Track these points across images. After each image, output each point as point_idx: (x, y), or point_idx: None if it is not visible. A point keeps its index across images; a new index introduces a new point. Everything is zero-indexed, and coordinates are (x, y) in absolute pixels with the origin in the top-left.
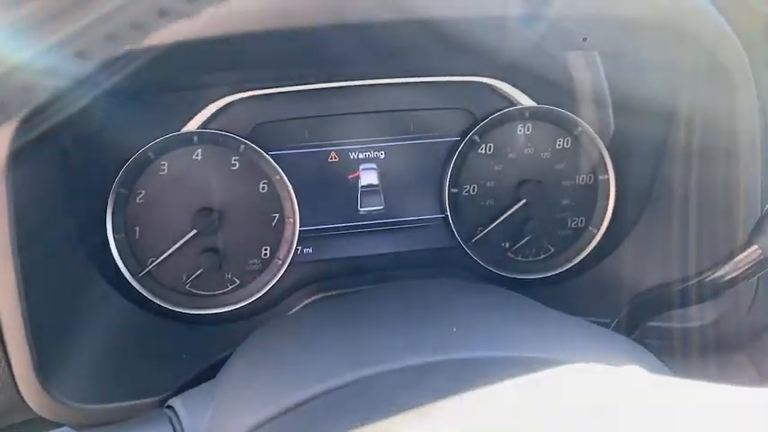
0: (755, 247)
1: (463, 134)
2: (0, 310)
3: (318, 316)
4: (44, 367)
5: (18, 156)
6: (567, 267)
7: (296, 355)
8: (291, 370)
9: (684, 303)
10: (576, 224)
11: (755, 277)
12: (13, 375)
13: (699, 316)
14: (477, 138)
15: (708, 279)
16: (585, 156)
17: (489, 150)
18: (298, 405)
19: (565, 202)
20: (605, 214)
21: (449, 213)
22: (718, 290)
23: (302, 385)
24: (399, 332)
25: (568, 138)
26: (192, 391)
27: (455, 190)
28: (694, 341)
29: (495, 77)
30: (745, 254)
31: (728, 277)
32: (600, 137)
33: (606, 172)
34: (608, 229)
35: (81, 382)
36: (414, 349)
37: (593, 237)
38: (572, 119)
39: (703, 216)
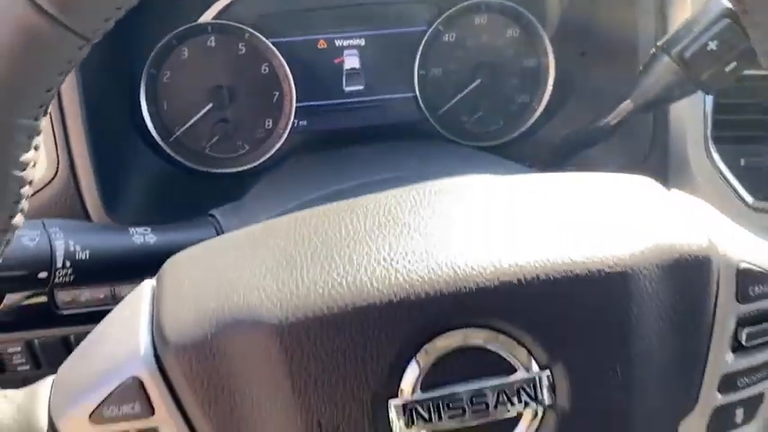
0: (629, 101)
1: (430, 25)
2: (74, 157)
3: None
4: (107, 199)
5: None
6: (514, 136)
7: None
8: (293, 188)
9: (578, 148)
10: (522, 101)
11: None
12: (84, 205)
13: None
14: (441, 28)
15: (597, 126)
16: (531, 43)
17: (452, 39)
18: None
19: (513, 82)
20: (545, 92)
21: (417, 92)
22: (603, 135)
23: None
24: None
25: (517, 28)
26: (226, 206)
27: (423, 72)
28: None
29: None
30: (623, 105)
31: (613, 122)
32: (544, 28)
33: (547, 56)
34: (547, 104)
35: (136, 211)
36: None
37: (535, 111)
38: (521, 12)
39: (610, 81)
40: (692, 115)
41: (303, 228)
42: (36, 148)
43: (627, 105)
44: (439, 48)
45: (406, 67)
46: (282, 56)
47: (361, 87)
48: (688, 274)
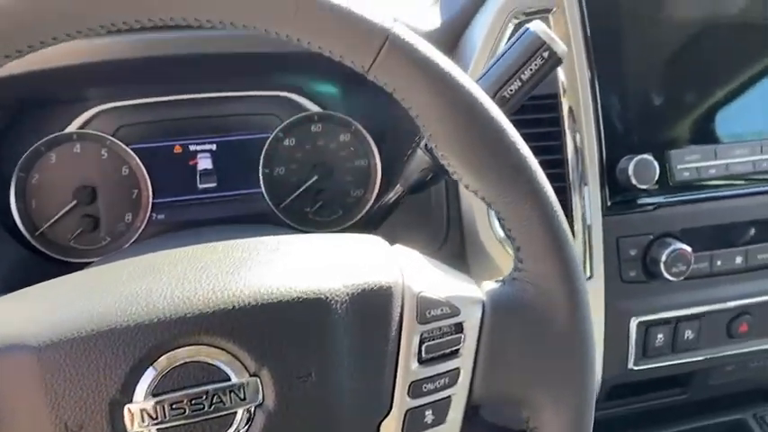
0: (399, 185)
1: (272, 132)
2: None
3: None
4: None
5: None
6: (351, 223)
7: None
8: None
9: (373, 223)
10: (357, 194)
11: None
12: None
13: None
14: (281, 134)
15: (381, 204)
16: (360, 146)
17: (292, 143)
18: None
19: (348, 178)
20: (375, 186)
21: (263, 188)
22: (387, 212)
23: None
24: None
25: (348, 133)
26: None
27: (267, 171)
28: None
29: (294, 92)
30: (396, 188)
31: (391, 201)
32: (370, 133)
33: (374, 157)
34: (377, 195)
35: None
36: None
37: (368, 201)
38: (348, 121)
39: None
40: (477, 203)
41: (71, 278)
42: None
43: (398, 188)
44: (281, 150)
45: (253, 167)
46: (141, 159)
47: (213, 185)
48: (375, 302)
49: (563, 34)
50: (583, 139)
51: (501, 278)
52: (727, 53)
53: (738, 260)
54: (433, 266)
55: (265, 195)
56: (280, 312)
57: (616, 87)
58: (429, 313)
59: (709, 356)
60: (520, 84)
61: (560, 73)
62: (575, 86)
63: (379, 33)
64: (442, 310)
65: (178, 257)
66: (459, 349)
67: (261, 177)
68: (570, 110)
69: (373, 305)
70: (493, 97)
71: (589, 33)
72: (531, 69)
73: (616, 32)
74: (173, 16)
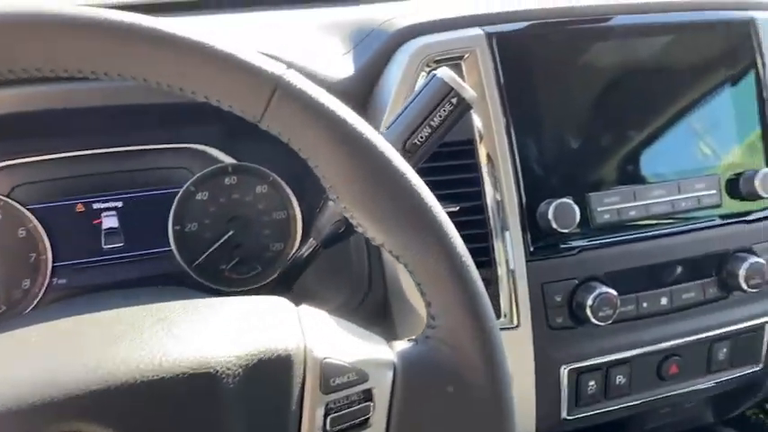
0: (312, 238)
1: (182, 186)
2: None
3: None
4: None
5: None
6: (270, 279)
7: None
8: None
9: (289, 280)
10: (277, 248)
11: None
12: None
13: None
14: (193, 188)
15: (297, 257)
16: (278, 198)
17: (205, 197)
18: None
19: (266, 232)
20: (296, 239)
21: (173, 246)
22: (303, 265)
23: None
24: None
25: (265, 185)
26: None
27: (178, 227)
28: None
29: (206, 144)
30: (309, 241)
31: (305, 255)
32: (289, 184)
33: (294, 209)
34: (298, 248)
35: None
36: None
37: (288, 256)
38: (265, 172)
39: None
40: None
41: None
42: None
43: (311, 242)
44: (192, 205)
45: (163, 224)
46: (39, 220)
47: (120, 245)
48: (272, 372)
49: (475, 81)
50: (501, 184)
51: (414, 337)
52: (641, 96)
53: (664, 301)
54: (341, 328)
55: (176, 254)
56: (162, 389)
57: (532, 132)
58: (334, 381)
59: (642, 401)
60: (430, 130)
61: (476, 119)
62: (491, 132)
63: (270, 80)
64: (348, 377)
65: (52, 332)
66: (368, 419)
67: (171, 235)
68: (488, 156)
69: (270, 375)
70: (403, 144)
71: (502, 80)
72: (440, 116)
73: (530, 78)
74: (38, 67)
